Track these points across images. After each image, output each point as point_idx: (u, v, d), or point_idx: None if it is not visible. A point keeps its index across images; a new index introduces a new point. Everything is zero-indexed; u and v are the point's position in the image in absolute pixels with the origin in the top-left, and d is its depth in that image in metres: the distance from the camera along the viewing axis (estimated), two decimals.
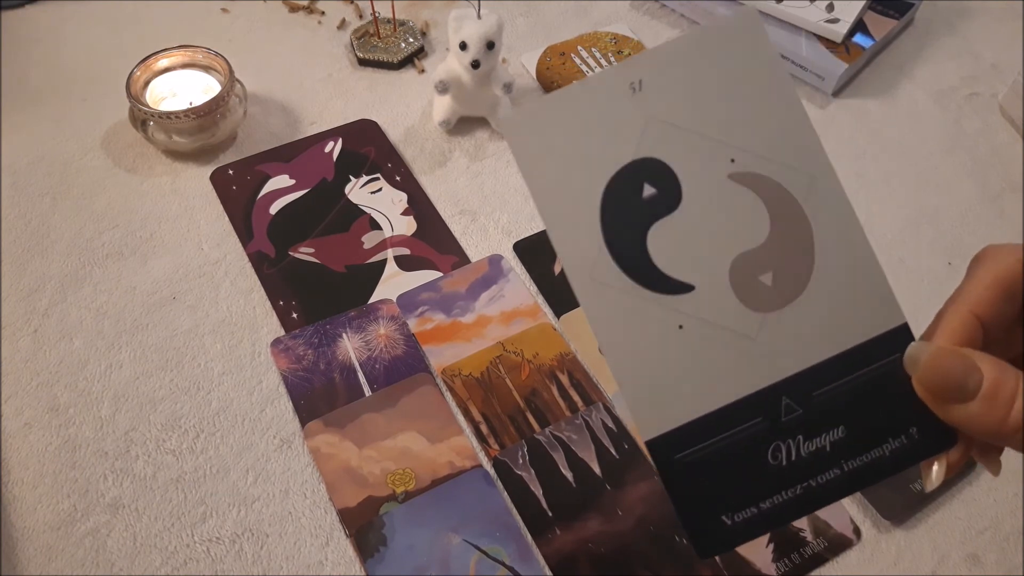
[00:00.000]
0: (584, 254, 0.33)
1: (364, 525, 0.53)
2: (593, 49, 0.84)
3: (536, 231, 0.69)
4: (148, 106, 0.70)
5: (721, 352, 0.33)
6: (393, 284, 0.65)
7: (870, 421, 0.33)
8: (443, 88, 0.71)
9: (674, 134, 0.33)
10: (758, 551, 0.53)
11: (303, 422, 0.58)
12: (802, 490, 0.33)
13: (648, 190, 0.33)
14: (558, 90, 0.34)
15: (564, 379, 0.60)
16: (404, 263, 0.67)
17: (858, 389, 0.33)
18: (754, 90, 0.33)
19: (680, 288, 0.33)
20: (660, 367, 0.33)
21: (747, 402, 0.33)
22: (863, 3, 0.81)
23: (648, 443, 0.33)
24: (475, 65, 0.68)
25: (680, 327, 0.33)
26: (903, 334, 0.33)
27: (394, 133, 0.76)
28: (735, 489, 0.33)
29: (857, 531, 0.54)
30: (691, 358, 0.33)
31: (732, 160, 0.33)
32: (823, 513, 0.54)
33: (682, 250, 0.33)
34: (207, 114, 0.70)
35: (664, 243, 0.33)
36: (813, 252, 0.33)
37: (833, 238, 0.33)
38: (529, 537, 0.53)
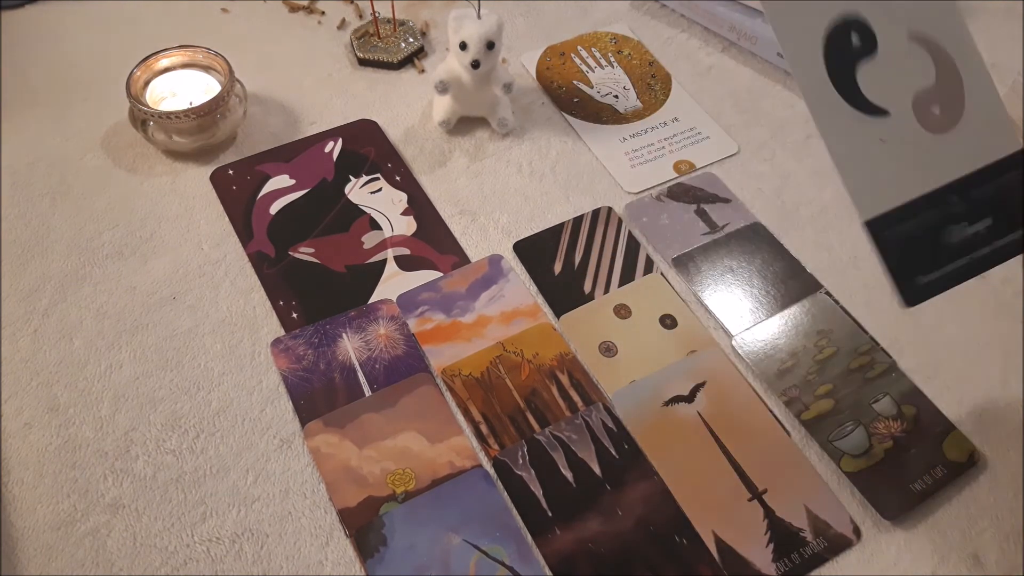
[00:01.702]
0: (817, 86, 0.45)
1: (364, 525, 0.53)
2: (593, 49, 0.84)
3: (536, 231, 0.69)
4: (148, 106, 0.70)
5: (907, 161, 0.46)
6: (393, 284, 0.65)
7: (1008, 213, 0.47)
8: (443, 88, 0.71)
9: (870, 3, 0.47)
10: (758, 551, 0.53)
11: (303, 422, 0.58)
12: (968, 259, 0.46)
13: (855, 39, 0.46)
14: None
15: (564, 379, 0.60)
16: (404, 263, 0.67)
17: (999, 190, 0.47)
18: None
19: (880, 112, 0.46)
20: (870, 170, 0.46)
21: (928, 198, 0.46)
22: None
23: (867, 222, 0.45)
24: (475, 65, 0.68)
25: (881, 140, 0.46)
26: (1021, 154, 0.47)
27: (394, 133, 0.76)
28: (925, 258, 0.46)
29: (857, 531, 0.54)
30: (889, 164, 0.46)
31: (909, 27, 0.47)
32: (823, 513, 0.54)
33: (880, 85, 0.46)
34: (207, 114, 0.70)
35: (867, 79, 0.46)
36: (964, 93, 0.47)
37: (976, 84, 0.48)
38: (529, 537, 0.53)
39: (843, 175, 0.46)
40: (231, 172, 0.72)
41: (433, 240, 0.68)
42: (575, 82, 0.81)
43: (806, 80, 0.46)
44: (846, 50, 0.46)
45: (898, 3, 0.47)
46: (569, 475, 0.56)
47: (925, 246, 0.46)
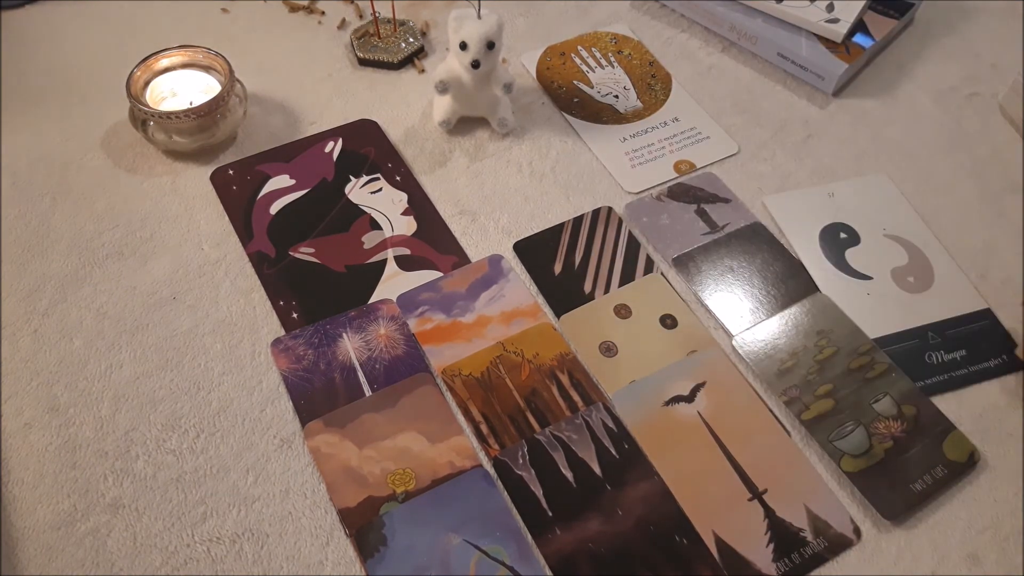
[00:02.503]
0: (816, 261, 0.67)
1: (364, 525, 0.53)
2: (593, 49, 0.84)
3: (536, 231, 0.69)
4: (148, 106, 0.70)
5: (891, 309, 0.64)
6: (393, 284, 0.65)
7: (979, 349, 0.62)
8: (443, 88, 0.71)
9: (856, 214, 0.70)
10: (758, 551, 0.53)
11: (303, 422, 0.58)
12: (947, 376, 0.61)
13: (842, 236, 0.69)
14: (794, 191, 0.73)
15: (564, 379, 0.60)
16: (404, 263, 0.67)
17: (971, 333, 0.63)
18: (890, 213, 0.72)
19: (865, 277, 0.66)
20: (859, 310, 0.64)
21: (910, 331, 0.63)
22: (863, 3, 0.81)
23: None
24: (475, 65, 0.68)
25: (868, 294, 0.65)
26: (985, 313, 0.64)
27: (394, 133, 0.76)
28: (909, 371, 0.61)
29: (857, 531, 0.54)
30: (875, 307, 0.64)
31: (884, 229, 0.70)
32: (823, 513, 0.54)
33: (864, 261, 0.67)
34: (207, 114, 0.70)
35: (854, 258, 0.67)
36: (933, 269, 0.67)
37: (942, 264, 0.67)
38: (529, 537, 0.53)
39: (846, 313, 0.64)
40: (231, 172, 0.72)
41: (433, 240, 0.68)
42: (575, 82, 0.81)
43: (807, 258, 0.67)
44: (836, 241, 0.68)
45: (875, 216, 0.70)
46: (569, 475, 0.56)
47: (908, 362, 0.61)
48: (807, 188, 0.72)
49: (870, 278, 0.66)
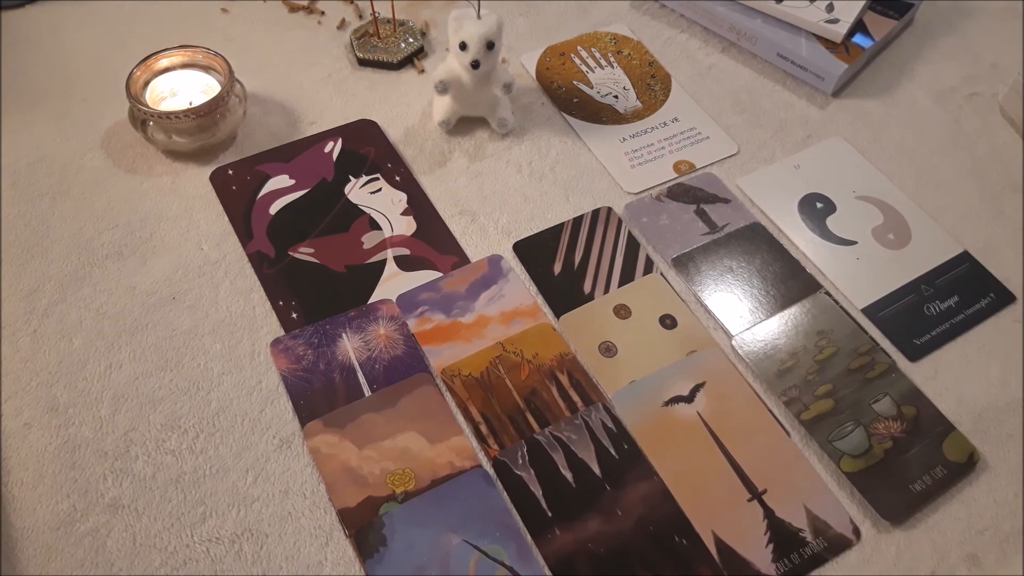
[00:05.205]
0: (800, 233, 0.69)
1: (364, 525, 0.53)
2: (593, 49, 0.84)
3: (536, 231, 0.69)
4: (148, 106, 0.70)
5: (880, 269, 0.67)
6: (393, 284, 0.65)
7: (968, 292, 0.66)
8: (443, 88, 0.71)
9: (825, 182, 0.73)
10: (758, 551, 0.53)
11: (303, 422, 0.58)
12: (948, 324, 0.64)
13: (819, 205, 0.71)
14: (763, 168, 0.74)
15: (564, 379, 0.60)
16: (404, 263, 0.67)
17: (958, 278, 0.66)
18: (854, 174, 0.74)
19: (850, 243, 0.68)
20: (853, 277, 0.66)
21: (905, 288, 0.66)
22: (863, 3, 0.81)
23: (862, 309, 0.64)
24: (475, 65, 0.68)
25: (857, 259, 0.67)
26: (964, 256, 0.68)
27: (394, 133, 0.76)
28: (915, 327, 0.63)
29: (857, 531, 0.54)
30: (867, 272, 0.66)
31: (854, 191, 0.72)
32: (823, 513, 0.54)
33: (844, 227, 0.69)
34: (207, 114, 0.70)
35: (835, 225, 0.70)
36: (908, 223, 0.70)
37: (914, 216, 0.70)
38: (529, 537, 0.53)
39: (836, 284, 0.66)
40: (231, 172, 0.72)
41: (433, 240, 0.68)
42: (575, 82, 0.81)
43: (791, 231, 0.69)
44: (814, 212, 0.70)
45: (842, 180, 0.72)
46: (569, 475, 0.56)
47: (911, 319, 0.64)
48: (773, 163, 0.74)
49: (855, 242, 0.68)
